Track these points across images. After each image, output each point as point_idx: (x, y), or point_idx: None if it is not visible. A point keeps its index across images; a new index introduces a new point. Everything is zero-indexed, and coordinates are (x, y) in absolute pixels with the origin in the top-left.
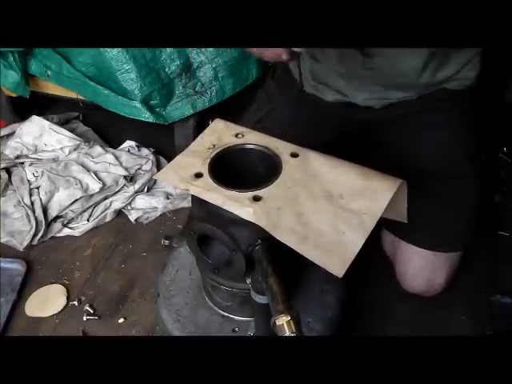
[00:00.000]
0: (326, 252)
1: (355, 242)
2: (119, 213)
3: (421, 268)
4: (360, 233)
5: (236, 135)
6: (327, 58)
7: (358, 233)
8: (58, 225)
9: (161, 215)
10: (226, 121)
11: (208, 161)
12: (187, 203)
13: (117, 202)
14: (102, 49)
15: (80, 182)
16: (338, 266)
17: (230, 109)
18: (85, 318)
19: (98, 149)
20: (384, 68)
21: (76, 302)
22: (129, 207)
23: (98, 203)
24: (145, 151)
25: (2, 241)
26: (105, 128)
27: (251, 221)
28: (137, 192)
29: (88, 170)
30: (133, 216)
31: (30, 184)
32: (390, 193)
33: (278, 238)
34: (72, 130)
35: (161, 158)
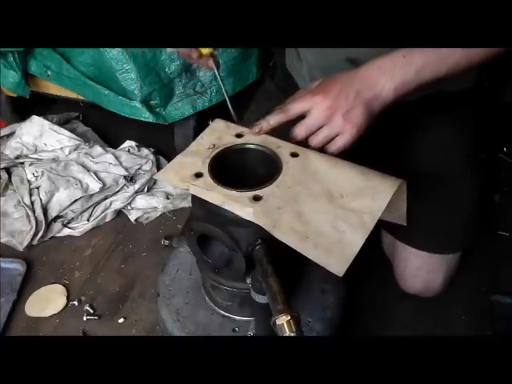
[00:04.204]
0: (327, 251)
1: (355, 241)
2: (119, 213)
3: (417, 269)
4: (360, 232)
5: (236, 135)
6: (323, 59)
7: (358, 232)
8: (58, 225)
9: (161, 215)
10: (225, 121)
11: (208, 161)
12: (187, 203)
13: (117, 202)
14: (101, 49)
15: (80, 181)
16: (338, 265)
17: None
18: (85, 318)
19: (98, 149)
20: None
21: (76, 302)
22: (129, 207)
23: (97, 203)
24: (145, 151)
25: (2, 241)
26: (105, 128)
27: (251, 220)
28: (137, 192)
29: (88, 170)
30: (133, 216)
31: (30, 184)
32: (390, 192)
33: (278, 238)
34: (72, 130)
35: (161, 158)
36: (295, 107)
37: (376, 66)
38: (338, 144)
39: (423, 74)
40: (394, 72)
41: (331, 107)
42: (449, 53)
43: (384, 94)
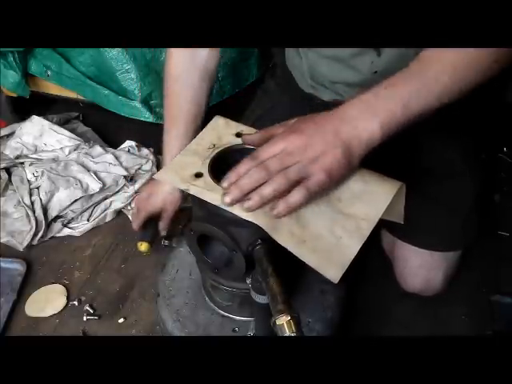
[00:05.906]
0: (323, 256)
1: (351, 247)
2: (119, 213)
3: (418, 267)
4: (357, 238)
5: (236, 134)
6: (331, 60)
7: (354, 238)
8: (58, 225)
9: None
10: (225, 118)
11: (208, 161)
12: (187, 203)
13: (117, 202)
14: (101, 49)
15: (80, 182)
16: (333, 271)
17: (229, 109)
18: (85, 318)
19: (98, 149)
20: (389, 70)
21: (76, 302)
22: (129, 207)
23: (97, 203)
24: (145, 151)
25: (2, 241)
26: (105, 128)
27: (251, 221)
28: (137, 192)
29: (88, 170)
30: None
31: (30, 184)
32: (388, 196)
33: (277, 240)
34: (72, 130)
35: (161, 158)
36: (266, 154)
37: (357, 102)
38: (295, 195)
39: (411, 104)
40: (376, 107)
41: (305, 145)
42: (433, 78)
43: (367, 133)
